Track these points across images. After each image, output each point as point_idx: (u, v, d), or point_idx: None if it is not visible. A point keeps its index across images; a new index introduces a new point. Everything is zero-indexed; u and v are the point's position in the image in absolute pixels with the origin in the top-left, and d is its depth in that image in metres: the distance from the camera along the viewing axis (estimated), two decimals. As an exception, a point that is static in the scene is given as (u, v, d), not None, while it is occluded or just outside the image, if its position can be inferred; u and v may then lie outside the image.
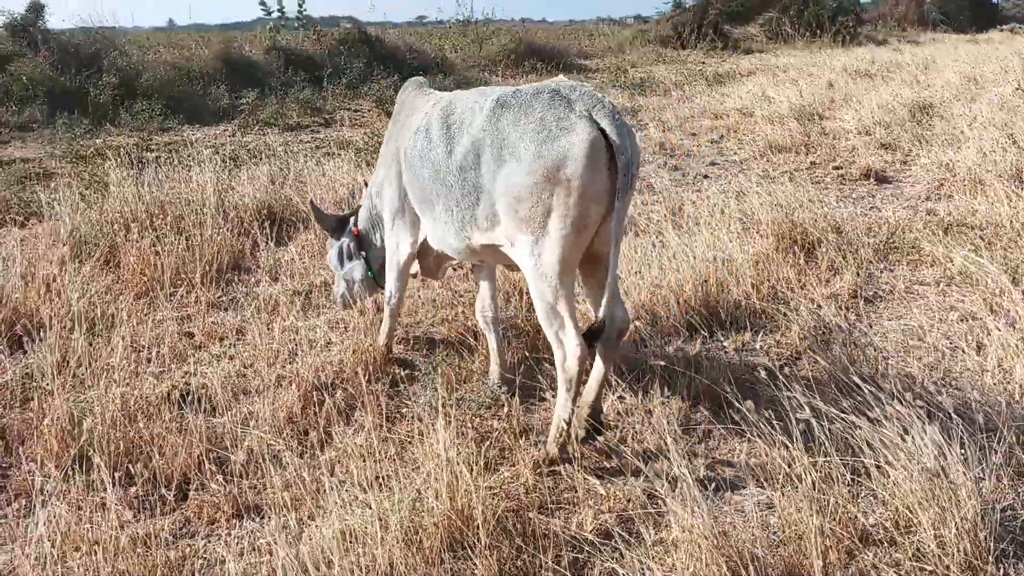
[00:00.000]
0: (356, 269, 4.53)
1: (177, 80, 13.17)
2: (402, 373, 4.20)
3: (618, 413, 3.72)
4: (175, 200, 6.49)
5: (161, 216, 6.19)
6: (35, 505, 3.00)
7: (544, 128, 3.02)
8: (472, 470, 2.89)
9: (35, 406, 3.73)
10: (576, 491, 3.16)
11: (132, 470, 3.16)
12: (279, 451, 3.42)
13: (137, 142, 10.25)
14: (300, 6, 18.47)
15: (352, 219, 4.55)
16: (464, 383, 4.07)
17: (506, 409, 3.69)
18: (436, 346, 4.51)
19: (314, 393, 3.86)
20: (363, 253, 4.47)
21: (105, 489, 2.97)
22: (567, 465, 3.27)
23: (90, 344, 4.29)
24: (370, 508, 2.77)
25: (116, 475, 3.14)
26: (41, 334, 4.45)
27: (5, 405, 3.85)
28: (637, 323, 4.41)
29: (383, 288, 4.33)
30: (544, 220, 3.03)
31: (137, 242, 5.65)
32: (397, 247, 4.04)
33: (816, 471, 2.87)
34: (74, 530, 2.86)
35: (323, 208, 5.30)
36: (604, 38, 31.18)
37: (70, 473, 3.19)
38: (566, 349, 3.12)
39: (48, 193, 7.05)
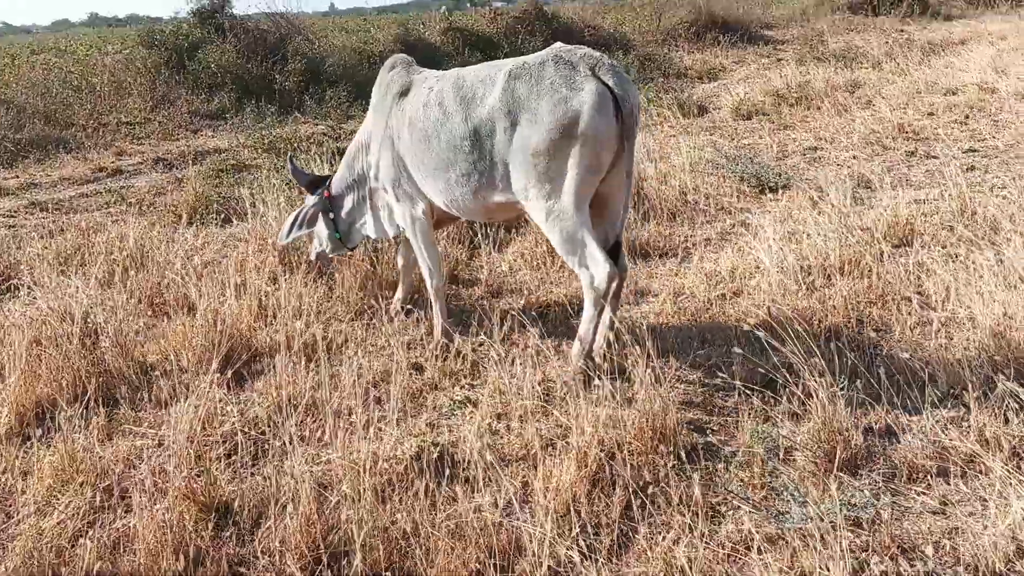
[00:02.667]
0: (323, 228, 4.76)
1: (359, 65, 12.84)
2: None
3: None
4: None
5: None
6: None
7: (556, 90, 3.37)
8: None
9: (269, 472, 3.10)
10: None
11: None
12: (568, 557, 2.62)
13: (326, 130, 9.88)
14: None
15: (328, 182, 4.76)
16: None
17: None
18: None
19: (596, 465, 3.03)
20: (331, 215, 4.69)
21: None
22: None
23: (315, 383, 3.66)
24: None
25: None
26: (259, 364, 3.90)
27: (235, 468, 3.26)
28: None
29: (350, 249, 4.84)
30: (561, 169, 3.39)
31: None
32: (412, 218, 4.23)
33: None
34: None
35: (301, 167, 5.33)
36: (781, 5, 29.02)
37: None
38: (594, 271, 3.48)
39: (249, 189, 6.65)
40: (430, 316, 4.44)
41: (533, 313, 4.50)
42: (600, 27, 17.83)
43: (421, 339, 4.34)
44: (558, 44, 3.64)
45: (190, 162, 8.96)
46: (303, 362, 3.93)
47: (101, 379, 3.81)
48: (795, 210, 6.05)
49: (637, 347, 3.33)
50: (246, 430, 3.43)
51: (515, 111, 3.47)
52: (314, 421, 3.51)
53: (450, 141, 3.72)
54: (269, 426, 3.48)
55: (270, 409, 3.61)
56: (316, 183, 4.79)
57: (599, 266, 3.45)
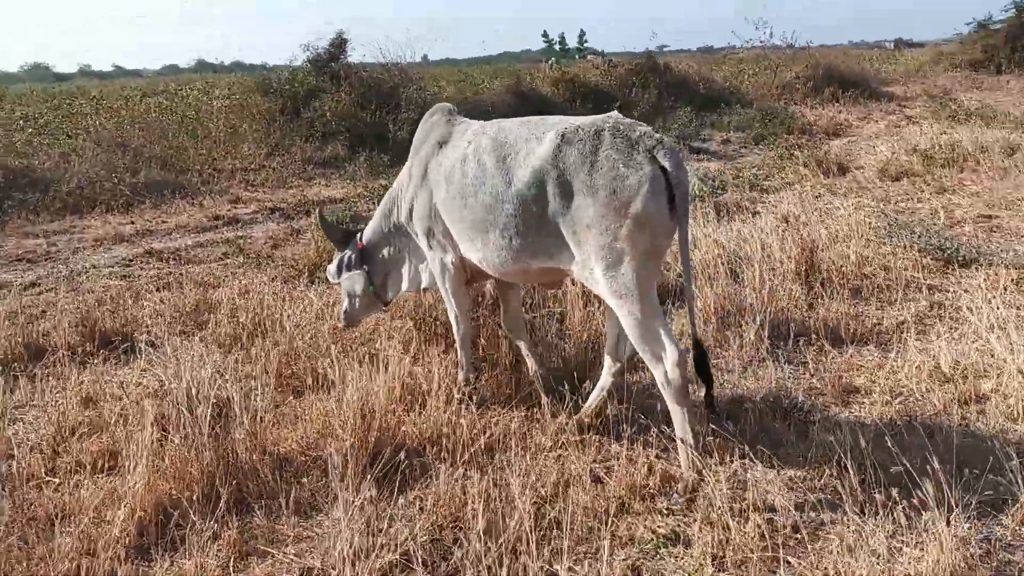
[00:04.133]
0: (357, 281, 4.53)
1: (472, 115, 12.47)
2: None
3: None
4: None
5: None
6: None
7: (613, 166, 3.18)
8: None
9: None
10: None
11: None
12: None
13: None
14: (581, 39, 17.49)
15: (359, 235, 4.59)
16: None
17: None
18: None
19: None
20: (365, 267, 4.48)
21: None
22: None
23: (482, 494, 2.99)
24: None
25: None
26: (405, 457, 3.27)
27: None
28: None
29: (385, 304, 4.58)
30: (617, 248, 3.19)
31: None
32: (443, 264, 4.03)
33: None
34: None
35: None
36: (894, 63, 27.91)
37: None
38: (665, 363, 3.21)
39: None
40: (600, 411, 3.76)
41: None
42: (713, 80, 17.16)
43: (599, 441, 3.65)
44: (614, 113, 3.47)
45: (305, 212, 8.61)
46: (460, 465, 3.30)
47: (232, 478, 3.24)
48: (1003, 291, 5.18)
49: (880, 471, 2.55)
50: (407, 562, 2.78)
51: (565, 177, 3.29)
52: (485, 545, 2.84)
53: (489, 201, 3.55)
54: (435, 554, 2.82)
55: (433, 528, 2.96)
56: (348, 237, 4.65)
57: (670, 355, 3.20)
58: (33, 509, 3.17)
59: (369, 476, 3.19)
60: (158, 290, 6.34)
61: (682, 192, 3.17)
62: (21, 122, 16.56)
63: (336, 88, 12.55)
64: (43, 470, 3.53)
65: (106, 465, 3.58)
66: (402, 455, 3.19)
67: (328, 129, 11.73)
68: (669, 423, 3.34)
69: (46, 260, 7.27)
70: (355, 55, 13.29)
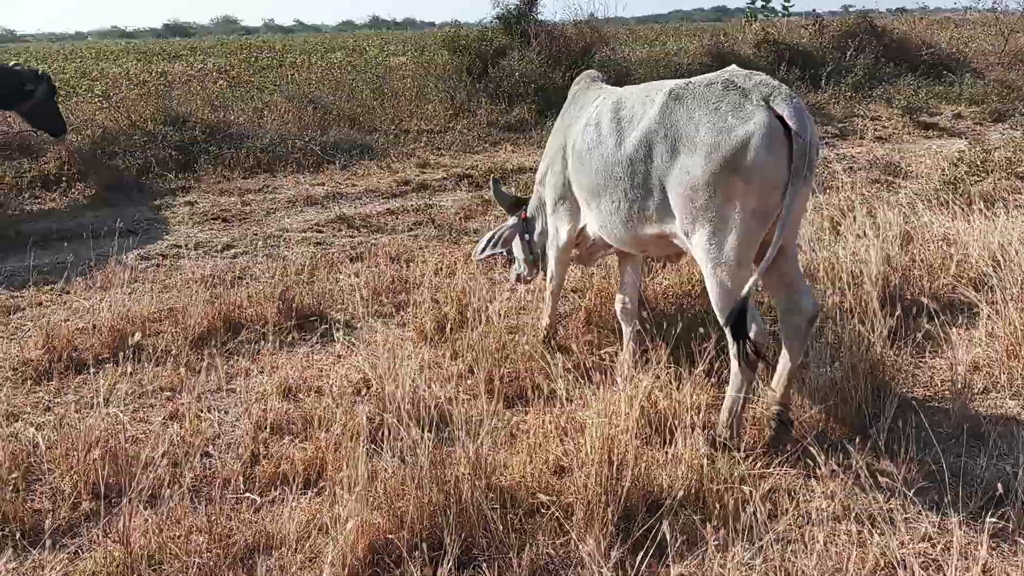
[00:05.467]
0: (519, 250, 4.65)
1: (667, 77, 11.53)
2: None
3: None
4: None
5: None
6: None
7: (720, 118, 2.99)
8: None
9: None
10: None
11: None
12: None
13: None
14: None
15: (526, 205, 4.62)
16: None
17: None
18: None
19: None
20: (527, 236, 4.55)
21: None
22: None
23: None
24: None
25: None
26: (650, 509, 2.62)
27: None
28: None
29: (542, 270, 4.54)
30: (723, 210, 3.00)
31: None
32: (557, 232, 4.11)
33: None
34: None
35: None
36: None
37: None
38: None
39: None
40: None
41: None
42: (936, 44, 15.22)
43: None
44: (733, 67, 3.29)
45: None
46: (735, 535, 2.61)
47: (457, 521, 2.69)
48: None
49: None
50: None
51: (673, 136, 3.14)
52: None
53: (601, 166, 3.50)
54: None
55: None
56: (517, 205, 4.69)
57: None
58: (232, 535, 2.75)
59: (623, 545, 2.56)
60: (351, 261, 6.00)
61: (801, 144, 2.88)
62: (215, 74, 17.13)
63: (525, 47, 11.92)
64: (241, 478, 3.13)
65: (309, 478, 3.16)
66: (664, 524, 2.51)
67: (516, 91, 11.12)
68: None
69: (240, 220, 7.12)
70: (546, 12, 12.59)
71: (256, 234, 6.67)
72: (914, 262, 4.89)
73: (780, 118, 2.92)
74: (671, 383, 3.40)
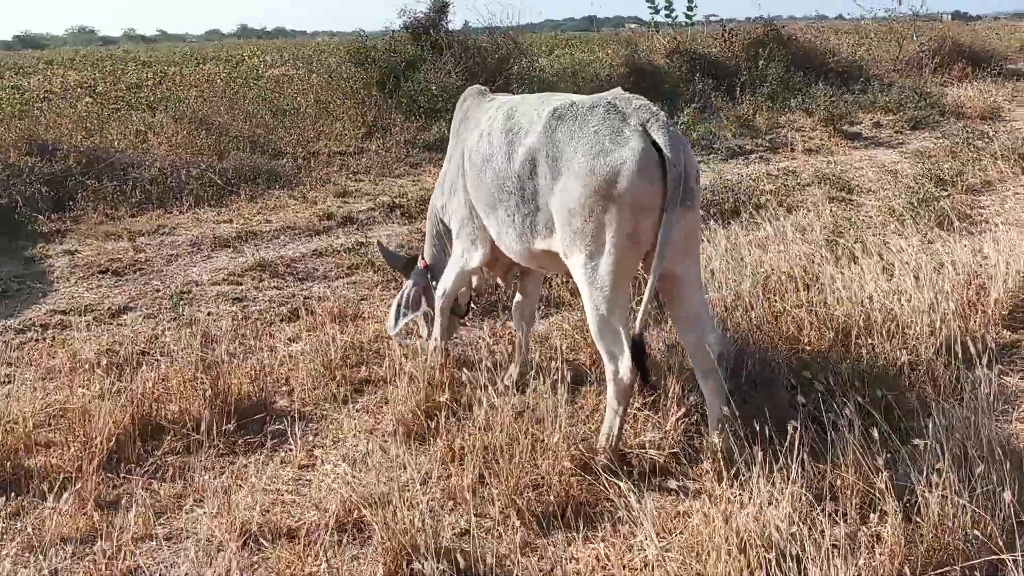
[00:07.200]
0: (423, 304, 4.32)
1: (586, 89, 10.93)
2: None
3: None
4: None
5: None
6: None
7: (598, 142, 3.01)
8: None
9: None
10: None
11: None
12: None
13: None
14: (689, 4, 15.55)
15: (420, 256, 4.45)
16: None
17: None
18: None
19: None
20: (435, 283, 4.24)
21: None
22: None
23: None
24: None
25: None
26: None
27: None
28: None
29: (461, 319, 4.39)
30: (598, 234, 3.02)
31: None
32: (463, 255, 3.92)
33: None
34: None
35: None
36: (1012, 38, 25.59)
37: None
38: (619, 363, 3.08)
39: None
40: None
41: None
42: (839, 53, 15.34)
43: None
44: (617, 89, 3.33)
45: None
46: None
47: None
48: None
49: None
50: None
51: (554, 155, 3.13)
52: None
53: (494, 178, 3.46)
54: None
55: None
56: (412, 261, 4.47)
57: (625, 360, 3.05)
58: None
59: None
60: (284, 321, 4.98)
61: (675, 173, 2.88)
62: (78, 90, 15.42)
63: (437, 59, 11.03)
64: None
65: None
66: None
67: (433, 106, 10.22)
68: None
69: (135, 272, 5.93)
70: (461, 21, 11.76)
71: (158, 290, 5.52)
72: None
73: (656, 145, 2.91)
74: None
